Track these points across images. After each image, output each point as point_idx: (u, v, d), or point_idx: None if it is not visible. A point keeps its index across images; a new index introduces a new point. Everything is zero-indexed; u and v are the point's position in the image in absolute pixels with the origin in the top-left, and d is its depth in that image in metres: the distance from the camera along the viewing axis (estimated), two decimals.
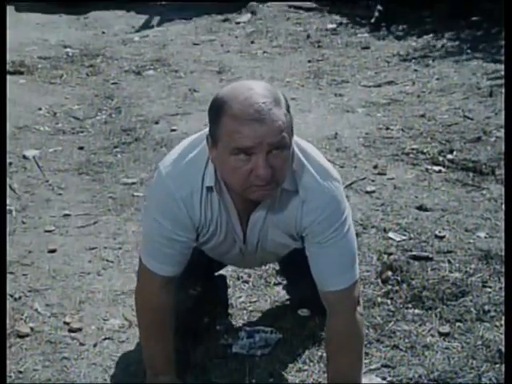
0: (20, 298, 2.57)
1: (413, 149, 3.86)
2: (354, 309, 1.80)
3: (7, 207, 3.19)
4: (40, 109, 4.75)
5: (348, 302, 1.78)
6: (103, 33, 7.64)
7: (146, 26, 8.05)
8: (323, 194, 1.72)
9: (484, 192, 3.28)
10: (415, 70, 5.55)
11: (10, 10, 8.96)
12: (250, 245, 1.89)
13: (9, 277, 2.63)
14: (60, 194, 3.48)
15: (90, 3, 9.07)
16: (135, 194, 3.47)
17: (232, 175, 1.61)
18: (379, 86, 5.21)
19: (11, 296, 2.55)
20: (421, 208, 3.16)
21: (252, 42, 6.79)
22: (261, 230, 1.82)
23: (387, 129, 4.23)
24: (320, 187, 1.72)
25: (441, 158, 3.68)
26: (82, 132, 4.39)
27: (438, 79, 5.24)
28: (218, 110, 1.57)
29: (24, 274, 2.73)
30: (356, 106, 4.71)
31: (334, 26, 7.44)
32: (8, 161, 3.74)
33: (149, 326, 1.92)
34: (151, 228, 1.82)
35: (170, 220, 1.75)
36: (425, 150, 3.82)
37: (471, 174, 3.48)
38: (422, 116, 4.41)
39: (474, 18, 6.81)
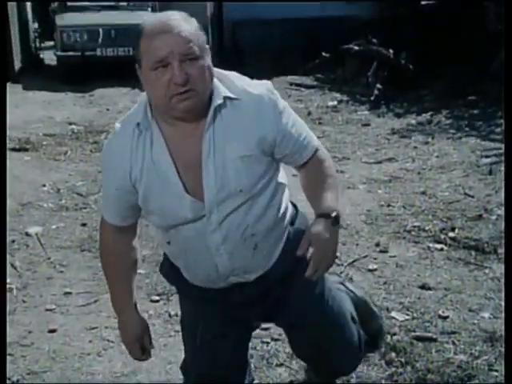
0: (18, 381, 2.53)
1: (414, 226, 3.87)
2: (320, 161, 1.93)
3: (8, 285, 3.18)
4: (44, 185, 4.80)
5: (316, 160, 1.93)
6: (108, 110, 7.80)
7: None
8: (260, 93, 1.81)
9: (487, 271, 3.27)
10: (415, 147, 5.63)
11: (18, 88, 9.21)
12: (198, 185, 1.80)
13: (8, 358, 2.59)
14: (61, 272, 3.47)
15: (95, 81, 9.30)
16: (137, 271, 3.45)
17: (155, 90, 1.71)
18: (380, 162, 5.27)
19: (9, 379, 2.50)
20: (423, 287, 3.15)
21: None
22: (213, 152, 1.77)
23: (388, 206, 4.25)
24: (254, 88, 1.82)
25: (442, 236, 3.69)
26: (84, 208, 4.41)
27: (437, 156, 5.31)
28: (137, 35, 1.75)
29: (23, 356, 2.70)
30: (357, 183, 4.76)
31: (335, 103, 7.60)
32: (11, 238, 3.76)
33: (108, 270, 2.05)
34: (103, 183, 2.02)
35: (108, 171, 1.88)
36: (426, 228, 3.83)
37: (473, 253, 3.48)
38: (423, 193, 4.45)
39: (470, 98, 6.96)
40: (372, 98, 7.53)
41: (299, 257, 1.81)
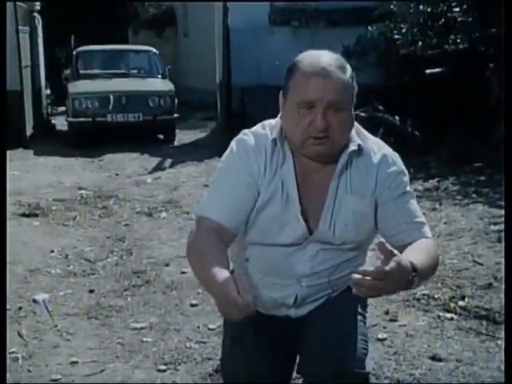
0: None
1: (424, 294, 3.84)
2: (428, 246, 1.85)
3: (14, 355, 3.15)
4: (52, 251, 4.80)
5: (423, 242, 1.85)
6: (117, 175, 7.88)
7: (159, 168, 8.32)
8: (392, 155, 1.91)
9: (499, 342, 3.22)
10: (423, 214, 5.62)
11: (29, 153, 9.34)
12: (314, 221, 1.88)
13: None
14: (68, 340, 3.44)
15: (105, 146, 9.44)
16: (144, 339, 3.42)
17: (294, 125, 1.81)
18: None
19: None
20: (434, 358, 3.09)
21: None
22: (335, 197, 1.87)
23: None
24: (387, 149, 1.92)
25: (452, 305, 3.65)
26: (92, 274, 4.40)
27: (445, 223, 5.31)
28: (291, 67, 1.83)
29: None
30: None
31: None
32: (18, 305, 3.75)
33: (200, 259, 1.77)
34: (219, 176, 1.92)
35: (241, 161, 1.87)
36: (436, 296, 3.79)
37: (484, 323, 3.43)
38: None
39: (476, 164, 7.00)
40: None
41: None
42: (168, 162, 8.62)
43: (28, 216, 5.69)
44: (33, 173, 7.84)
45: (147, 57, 11.61)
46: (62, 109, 14.24)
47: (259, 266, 1.95)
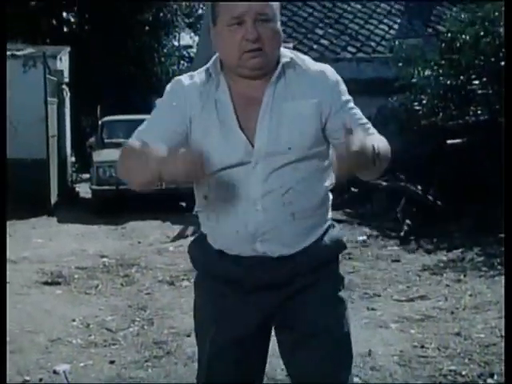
0: None
1: (450, 370, 3.75)
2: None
3: None
4: (74, 320, 4.79)
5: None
6: (139, 242, 7.91)
7: (181, 236, 8.33)
8: (328, 66, 2.00)
9: None
10: (447, 285, 5.56)
11: (52, 221, 9.45)
12: (259, 138, 1.91)
13: None
14: None
15: (127, 214, 9.52)
16: None
17: (227, 46, 1.87)
18: (412, 300, 5.20)
19: None
20: None
21: None
22: (271, 105, 1.91)
23: (422, 347, 4.15)
24: (321, 64, 2.01)
25: (481, 382, 3.56)
26: (114, 344, 4.37)
27: (471, 295, 5.23)
28: None
29: None
30: (389, 322, 4.67)
31: (364, 237, 7.62)
32: (38, 376, 3.72)
33: (127, 159, 1.90)
34: (156, 107, 2.03)
35: (171, 96, 1.98)
36: (463, 373, 3.70)
37: None
38: (458, 334, 4.34)
39: (501, 235, 6.93)
40: (401, 234, 7.55)
41: (327, 264, 1.98)
42: (190, 230, 8.63)
43: (50, 284, 5.71)
44: (56, 241, 7.90)
45: None
46: (86, 176, 14.48)
47: (216, 197, 1.94)
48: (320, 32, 12.11)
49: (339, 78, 1.99)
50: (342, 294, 2.07)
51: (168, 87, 2.02)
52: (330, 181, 2.03)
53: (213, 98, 1.94)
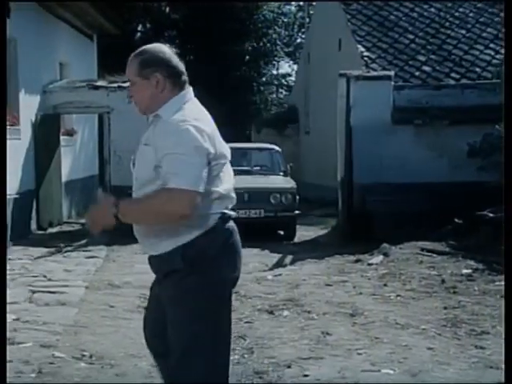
0: None
1: None
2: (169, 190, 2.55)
3: None
4: None
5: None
6: None
7: (279, 264, 8.30)
8: (175, 123, 2.60)
9: None
10: None
11: None
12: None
13: None
14: None
15: None
16: None
17: None
18: None
19: None
20: None
21: (385, 285, 6.76)
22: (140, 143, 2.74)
23: None
24: (172, 120, 2.61)
25: None
26: None
27: None
28: None
29: None
30: (500, 362, 4.40)
31: (469, 271, 7.30)
32: None
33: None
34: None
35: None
36: None
37: None
38: None
39: None
40: None
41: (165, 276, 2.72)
42: (288, 258, 8.60)
43: None
44: None
45: (270, 155, 11.90)
46: None
47: None
48: (422, 58, 11.91)
49: (173, 134, 2.56)
50: None
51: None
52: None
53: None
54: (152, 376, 4.23)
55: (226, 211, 2.69)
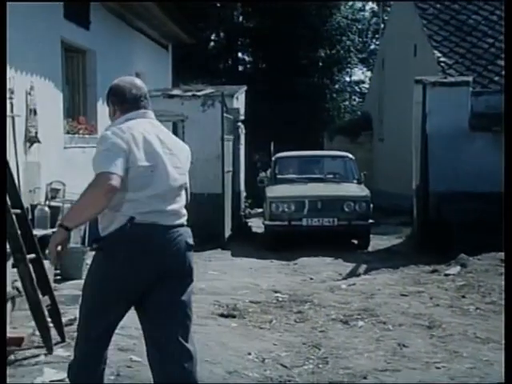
0: None
1: None
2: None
3: None
4: (249, 353, 4.80)
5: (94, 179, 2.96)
6: (311, 279, 7.87)
7: (353, 274, 8.19)
8: (106, 133, 3.10)
9: None
10: None
11: (227, 254, 9.69)
12: None
13: None
14: None
15: (299, 250, 9.55)
16: None
17: None
18: None
19: None
20: None
21: (463, 297, 6.56)
22: None
23: None
24: (111, 129, 3.12)
25: None
26: (289, 381, 4.33)
27: None
28: None
29: None
30: None
31: None
32: None
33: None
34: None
35: None
36: None
37: None
38: None
39: None
40: None
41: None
42: (363, 268, 8.47)
43: (226, 317, 5.79)
44: (230, 273, 8.07)
45: (343, 162, 11.78)
46: (256, 211, 14.80)
47: None
48: (502, 63, 11.55)
49: (103, 137, 3.06)
50: None
51: None
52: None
53: None
54: (227, 383, 4.23)
55: (135, 215, 2.98)
